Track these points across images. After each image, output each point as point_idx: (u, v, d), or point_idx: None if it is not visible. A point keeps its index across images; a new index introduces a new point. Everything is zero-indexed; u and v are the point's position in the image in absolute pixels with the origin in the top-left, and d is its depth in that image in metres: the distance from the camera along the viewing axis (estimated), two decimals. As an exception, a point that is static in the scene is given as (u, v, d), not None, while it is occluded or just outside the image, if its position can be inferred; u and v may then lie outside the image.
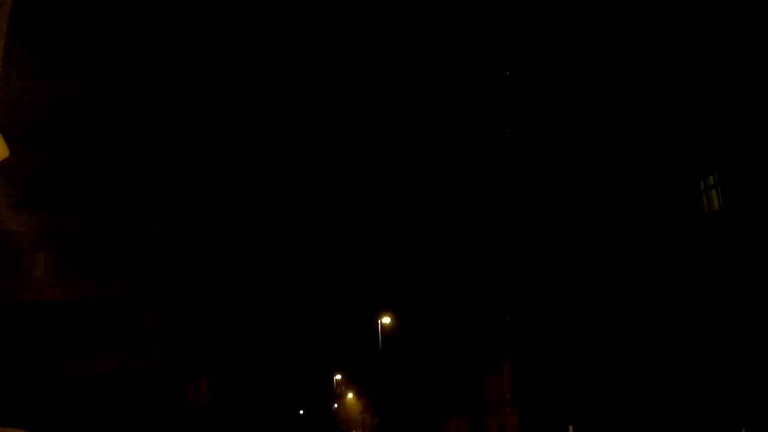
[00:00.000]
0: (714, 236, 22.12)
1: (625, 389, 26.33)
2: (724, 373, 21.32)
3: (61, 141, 30.63)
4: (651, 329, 24.91)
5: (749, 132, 20.64)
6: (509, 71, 37.24)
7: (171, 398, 27.92)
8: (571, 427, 31.52)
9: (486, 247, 42.48)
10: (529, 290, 35.57)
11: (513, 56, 36.43)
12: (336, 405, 73.53)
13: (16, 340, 24.91)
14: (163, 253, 30.12)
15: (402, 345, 51.20)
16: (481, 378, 42.21)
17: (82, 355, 27.21)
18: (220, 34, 34.57)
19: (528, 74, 35.60)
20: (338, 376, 72.22)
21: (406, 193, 50.78)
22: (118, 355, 28.72)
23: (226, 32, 34.76)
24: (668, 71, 24.38)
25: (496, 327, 39.67)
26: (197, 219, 32.66)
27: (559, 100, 32.23)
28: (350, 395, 74.56)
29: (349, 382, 71.74)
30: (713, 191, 22.60)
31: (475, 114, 42.73)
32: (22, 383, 19.66)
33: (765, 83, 20.18)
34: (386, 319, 46.51)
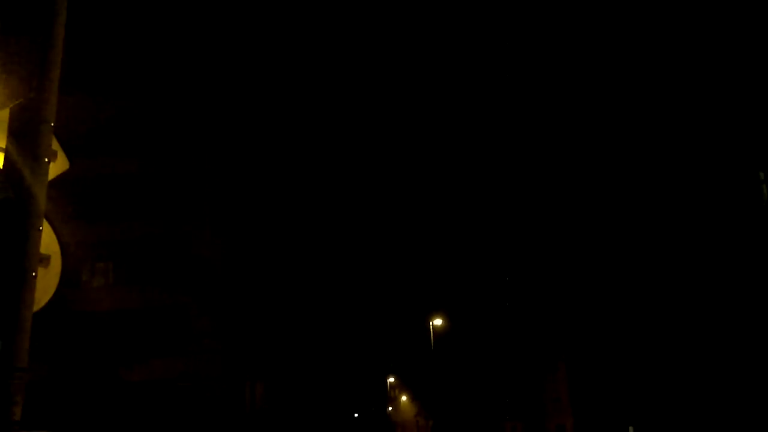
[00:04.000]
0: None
1: (688, 387, 25.59)
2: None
3: (114, 153, 31.50)
4: (713, 326, 24.13)
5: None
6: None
7: (228, 403, 28.33)
8: (631, 428, 30.78)
9: (541, 248, 41.88)
10: (584, 290, 34.94)
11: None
12: (390, 408, 73.51)
13: (78, 348, 25.66)
14: (217, 259, 30.65)
15: (455, 347, 50.90)
16: (539, 380, 41.62)
17: (141, 361, 27.85)
18: (262, 51, 35.05)
19: (577, 59, 34.96)
20: (392, 379, 72.23)
21: (460, 198, 50.54)
22: (176, 360, 29.34)
23: (266, 48, 35.25)
24: (728, 61, 23.64)
25: (552, 328, 39.07)
26: (251, 226, 33.12)
27: (616, 91, 31.56)
28: (404, 398, 74.45)
29: (403, 384, 71.66)
30: (775, 182, 21.80)
31: (524, 117, 42.26)
32: (85, 390, 20.23)
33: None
34: (438, 321, 46.27)
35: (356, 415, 54.72)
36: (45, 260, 3.44)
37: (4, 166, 3.37)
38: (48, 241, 3.48)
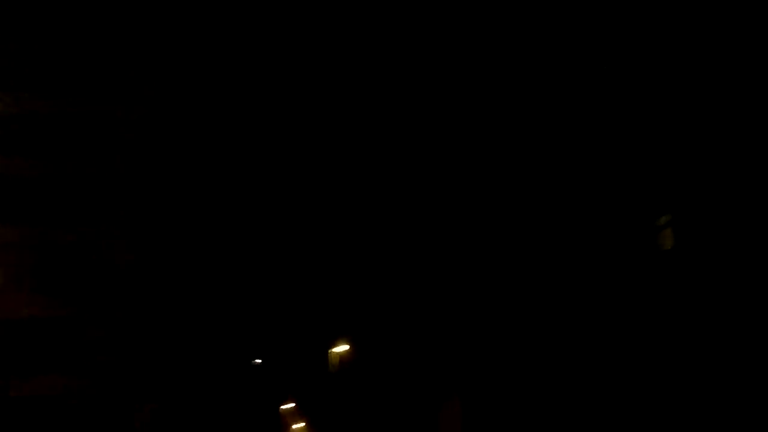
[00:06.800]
0: (668, 275, 22.70)
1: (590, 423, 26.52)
2: (669, 415, 21.73)
3: (24, 154, 29.96)
4: (611, 370, 25.21)
5: (703, 171, 21.37)
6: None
7: (114, 424, 27.22)
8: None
9: (436, 277, 42.66)
10: (479, 325, 35.67)
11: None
12: (282, 437, 72.09)
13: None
14: (120, 266, 29.58)
15: (355, 375, 50.73)
16: (434, 413, 41.90)
17: (23, 376, 26.46)
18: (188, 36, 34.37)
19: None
20: (289, 405, 70.91)
21: (359, 219, 50.91)
22: (62, 376, 28.02)
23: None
24: (624, 107, 25.12)
25: (447, 360, 39.57)
26: (153, 235, 32.12)
27: (518, 130, 32.84)
28: (298, 426, 73.28)
29: (300, 412, 70.52)
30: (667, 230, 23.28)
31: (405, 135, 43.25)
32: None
33: (717, 124, 21.02)
34: (338, 348, 46.08)
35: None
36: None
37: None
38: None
